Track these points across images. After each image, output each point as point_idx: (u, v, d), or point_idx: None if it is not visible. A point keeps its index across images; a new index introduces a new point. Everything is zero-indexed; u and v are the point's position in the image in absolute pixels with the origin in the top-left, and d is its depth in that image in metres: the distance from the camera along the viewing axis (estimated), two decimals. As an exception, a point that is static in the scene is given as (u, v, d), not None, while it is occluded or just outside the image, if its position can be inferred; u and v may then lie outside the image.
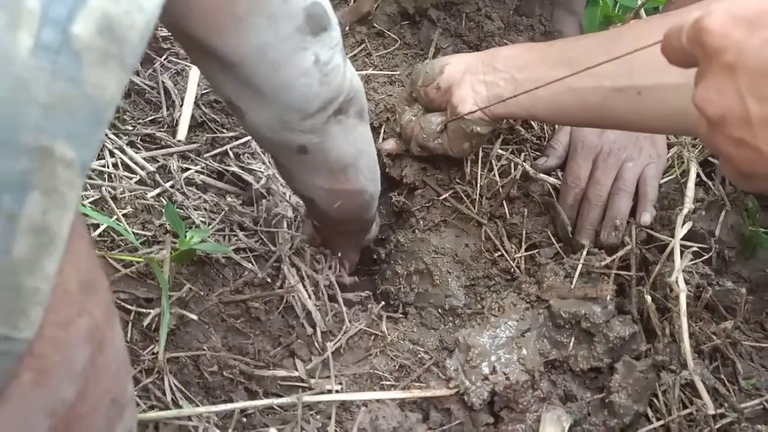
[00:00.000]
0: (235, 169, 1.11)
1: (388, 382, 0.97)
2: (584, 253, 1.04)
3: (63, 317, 0.45)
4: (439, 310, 1.07)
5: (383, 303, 1.08)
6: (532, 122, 1.18)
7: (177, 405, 0.86)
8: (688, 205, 0.98)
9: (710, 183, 1.11)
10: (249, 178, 1.10)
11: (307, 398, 0.89)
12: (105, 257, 0.92)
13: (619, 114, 0.88)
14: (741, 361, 0.98)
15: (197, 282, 0.96)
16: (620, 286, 1.03)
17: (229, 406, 0.86)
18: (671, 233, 1.02)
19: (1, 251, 0.39)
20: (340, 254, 1.05)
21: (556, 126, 1.15)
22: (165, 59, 1.19)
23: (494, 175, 1.12)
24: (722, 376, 0.97)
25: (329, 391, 0.93)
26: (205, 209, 1.04)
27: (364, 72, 1.21)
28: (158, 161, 1.08)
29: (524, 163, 1.09)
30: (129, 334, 0.89)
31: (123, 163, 1.06)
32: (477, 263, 1.08)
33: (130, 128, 1.10)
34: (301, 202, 1.03)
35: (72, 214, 0.43)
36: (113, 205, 0.99)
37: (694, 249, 0.98)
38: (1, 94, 0.38)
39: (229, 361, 0.91)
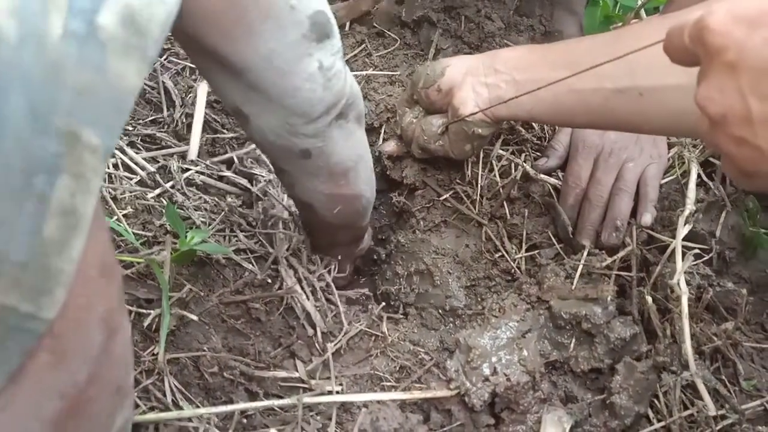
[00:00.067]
0: (233, 174, 1.11)
1: (388, 383, 0.97)
2: (585, 253, 1.03)
3: (83, 300, 0.46)
4: (440, 311, 1.06)
5: (383, 304, 1.08)
6: (533, 123, 1.18)
7: (177, 406, 0.86)
8: (690, 206, 0.97)
9: (711, 183, 1.11)
10: (244, 182, 1.10)
11: (308, 399, 0.89)
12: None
13: (621, 115, 0.88)
14: (742, 362, 0.98)
15: (197, 283, 0.96)
16: (621, 287, 1.02)
17: (229, 408, 0.86)
18: (672, 234, 1.02)
19: (32, 231, 0.40)
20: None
21: (557, 126, 1.14)
22: (165, 59, 1.19)
23: (495, 175, 1.12)
24: (723, 377, 0.97)
25: (330, 392, 0.93)
26: (206, 210, 1.04)
27: (364, 72, 1.21)
28: (158, 161, 1.08)
29: (524, 164, 1.09)
30: (129, 335, 0.89)
31: (123, 163, 1.06)
32: (477, 264, 1.08)
33: (131, 128, 1.10)
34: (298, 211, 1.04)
35: (95, 200, 0.44)
36: (113, 206, 0.98)
37: (696, 251, 0.97)
38: (39, 75, 0.39)
39: (229, 362, 0.91)
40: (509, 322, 0.98)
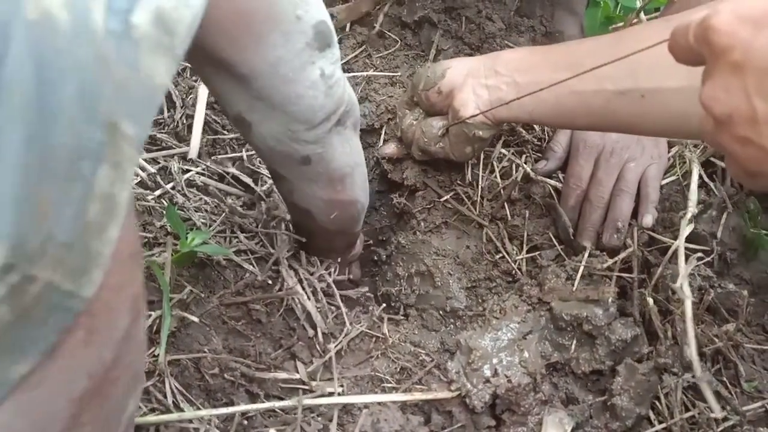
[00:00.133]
0: (239, 171, 1.11)
1: (389, 385, 0.97)
2: (586, 255, 1.03)
3: (116, 282, 0.48)
4: (440, 312, 1.06)
5: (384, 305, 1.08)
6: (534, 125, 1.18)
7: (178, 407, 0.86)
8: (692, 209, 0.97)
9: (712, 184, 1.11)
10: (248, 181, 1.10)
11: (308, 401, 0.89)
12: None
13: (622, 117, 0.88)
14: (743, 364, 0.98)
15: (198, 284, 0.96)
16: (622, 289, 1.02)
17: (230, 410, 0.86)
18: (673, 235, 1.02)
19: (77, 214, 0.42)
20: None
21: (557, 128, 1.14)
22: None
23: (495, 176, 1.12)
24: (724, 379, 0.97)
25: (331, 394, 0.92)
26: (206, 211, 1.03)
27: (364, 73, 1.21)
28: (159, 162, 1.07)
29: (525, 165, 1.09)
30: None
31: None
32: (478, 265, 1.08)
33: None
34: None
35: (129, 189, 0.46)
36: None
37: (699, 254, 0.97)
38: (89, 67, 0.41)
39: (230, 363, 0.91)
40: (510, 324, 0.98)
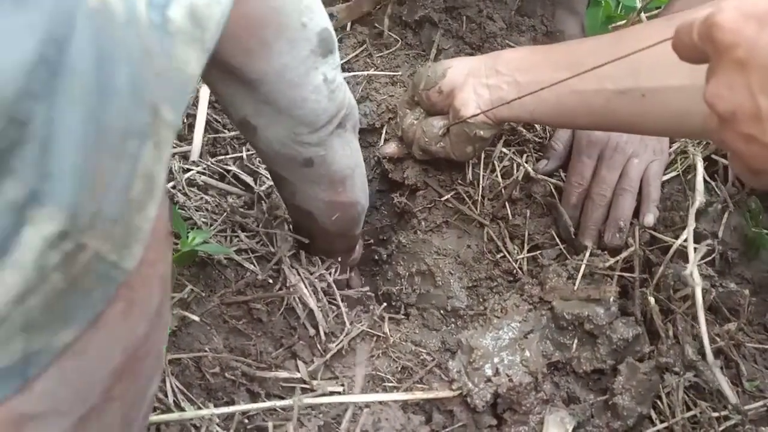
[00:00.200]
0: (238, 170, 1.11)
1: (390, 384, 0.97)
2: (587, 254, 1.03)
3: (152, 259, 0.50)
4: (441, 312, 1.06)
5: (385, 304, 1.08)
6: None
7: (179, 407, 0.85)
8: (700, 198, 0.96)
9: (713, 184, 1.10)
10: (249, 180, 1.10)
11: (308, 400, 0.89)
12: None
13: (623, 116, 0.88)
14: (745, 363, 0.98)
15: (199, 283, 0.95)
16: (623, 288, 1.02)
17: (231, 409, 0.86)
18: (674, 234, 1.02)
19: (123, 190, 0.44)
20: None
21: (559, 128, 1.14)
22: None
23: (496, 176, 1.12)
24: (726, 378, 0.96)
25: (331, 393, 0.92)
26: (207, 210, 1.03)
27: (365, 72, 1.21)
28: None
29: (526, 165, 1.09)
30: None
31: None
32: (479, 264, 1.08)
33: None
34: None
35: (166, 170, 0.49)
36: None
37: (707, 242, 0.96)
38: (138, 54, 0.44)
39: (230, 362, 0.91)
40: (511, 323, 0.98)
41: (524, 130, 1.16)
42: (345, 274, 1.06)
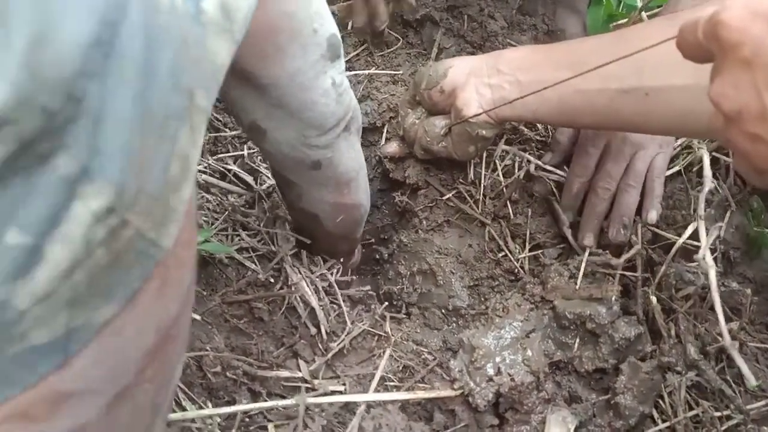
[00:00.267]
0: (239, 169, 1.10)
1: (392, 383, 0.96)
2: (586, 254, 1.03)
3: (185, 240, 0.52)
4: (443, 311, 1.06)
5: (386, 303, 1.08)
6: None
7: (180, 406, 0.85)
8: (708, 184, 0.96)
9: (715, 183, 1.10)
10: (249, 179, 1.10)
11: (311, 400, 0.89)
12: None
13: (626, 115, 0.88)
14: (747, 362, 0.97)
15: (200, 282, 0.95)
16: (625, 287, 1.02)
17: (233, 408, 0.86)
18: (677, 232, 1.02)
19: (163, 169, 0.46)
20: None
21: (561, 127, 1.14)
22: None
23: (498, 175, 1.11)
24: (728, 378, 0.96)
25: (333, 393, 0.92)
26: (208, 209, 1.03)
27: (366, 71, 1.21)
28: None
29: (530, 157, 1.09)
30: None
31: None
32: (481, 263, 1.08)
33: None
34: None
35: (199, 153, 0.51)
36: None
37: (718, 225, 0.95)
38: (178, 41, 0.46)
39: (232, 361, 0.91)
40: (513, 322, 0.98)
41: (526, 129, 1.16)
42: (347, 276, 1.06)
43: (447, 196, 1.10)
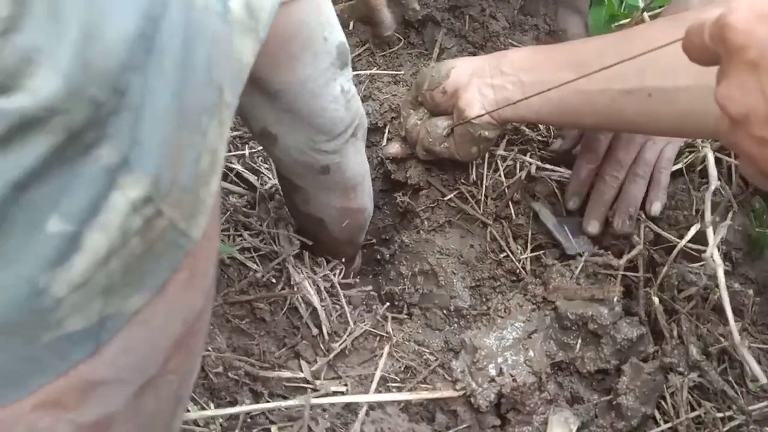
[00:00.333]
0: (242, 168, 1.10)
1: (394, 384, 0.96)
2: (585, 256, 1.03)
3: (212, 232, 0.53)
4: (444, 311, 1.06)
5: (388, 304, 1.08)
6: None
7: (182, 406, 0.85)
8: (714, 181, 0.96)
9: (718, 183, 1.10)
10: (252, 178, 1.10)
11: (315, 400, 0.89)
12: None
13: (628, 116, 0.88)
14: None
15: (202, 282, 0.95)
16: (627, 288, 1.02)
17: (236, 409, 0.86)
18: (679, 233, 1.02)
19: (194, 161, 0.47)
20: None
21: (564, 128, 1.14)
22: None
23: (500, 175, 1.11)
24: (730, 378, 0.97)
25: (335, 393, 0.92)
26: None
27: (368, 72, 1.21)
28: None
29: (530, 159, 1.09)
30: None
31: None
32: (482, 264, 1.08)
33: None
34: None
35: (225, 148, 0.52)
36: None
37: (724, 224, 0.95)
38: (210, 38, 0.47)
39: (234, 362, 0.91)
40: (515, 323, 0.98)
41: (527, 130, 1.16)
42: (349, 279, 1.07)
43: (449, 197, 1.10)
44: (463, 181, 1.11)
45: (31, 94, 0.38)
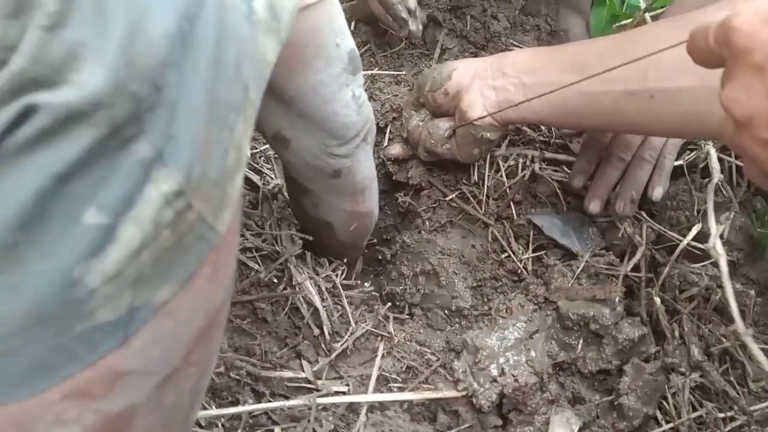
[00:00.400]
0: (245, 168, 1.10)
1: (396, 384, 0.96)
2: (586, 256, 1.03)
3: (235, 227, 0.53)
4: (446, 312, 1.06)
5: (389, 304, 1.08)
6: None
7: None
8: (717, 175, 0.95)
9: (719, 182, 1.10)
10: (255, 178, 1.10)
11: (320, 400, 0.89)
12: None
13: (630, 117, 0.87)
14: (750, 364, 0.98)
15: (203, 282, 0.95)
16: (629, 288, 1.02)
17: (239, 409, 0.86)
18: (680, 233, 1.02)
19: (222, 155, 0.47)
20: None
21: (565, 129, 1.14)
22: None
23: (501, 175, 1.11)
24: (732, 379, 0.97)
25: (337, 393, 0.92)
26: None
27: (369, 72, 1.21)
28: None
29: (537, 151, 1.09)
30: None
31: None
32: (484, 264, 1.08)
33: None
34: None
35: (248, 145, 0.53)
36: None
37: (726, 215, 0.95)
38: (237, 36, 0.48)
39: (235, 362, 0.91)
40: (516, 323, 0.98)
41: (529, 131, 1.16)
42: (351, 281, 1.07)
43: (450, 197, 1.11)
44: (464, 181, 1.11)
45: (77, 89, 0.39)
